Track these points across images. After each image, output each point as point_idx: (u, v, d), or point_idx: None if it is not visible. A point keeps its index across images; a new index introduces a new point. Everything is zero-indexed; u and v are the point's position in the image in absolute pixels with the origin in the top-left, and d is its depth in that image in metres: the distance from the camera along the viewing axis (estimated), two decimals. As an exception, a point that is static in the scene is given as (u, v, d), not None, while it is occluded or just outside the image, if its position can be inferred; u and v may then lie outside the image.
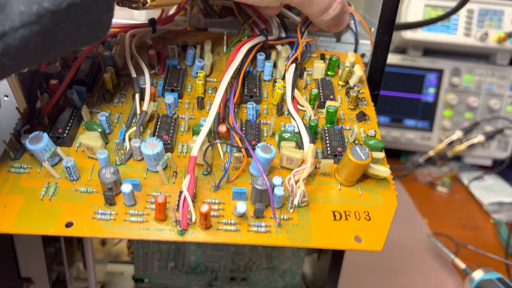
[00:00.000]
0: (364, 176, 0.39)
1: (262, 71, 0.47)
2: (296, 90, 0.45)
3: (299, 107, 0.44)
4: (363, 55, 0.51)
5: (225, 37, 0.49)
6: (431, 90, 0.98)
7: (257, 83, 0.45)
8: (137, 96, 0.42)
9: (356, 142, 0.42)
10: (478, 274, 0.65)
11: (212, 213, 0.35)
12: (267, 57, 0.48)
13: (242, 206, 0.34)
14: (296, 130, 0.41)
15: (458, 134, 0.97)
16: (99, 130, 0.38)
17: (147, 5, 0.38)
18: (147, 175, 0.37)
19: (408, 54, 0.97)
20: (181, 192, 0.35)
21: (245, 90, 0.44)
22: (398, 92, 0.98)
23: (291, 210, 0.36)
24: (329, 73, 0.48)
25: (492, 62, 0.97)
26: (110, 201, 0.35)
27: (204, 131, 0.37)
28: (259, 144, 0.37)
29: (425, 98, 0.98)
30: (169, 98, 0.41)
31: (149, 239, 0.34)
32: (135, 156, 0.38)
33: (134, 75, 0.43)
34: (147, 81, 0.43)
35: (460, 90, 0.97)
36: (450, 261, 0.72)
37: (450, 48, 0.95)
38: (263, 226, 0.35)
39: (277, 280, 0.63)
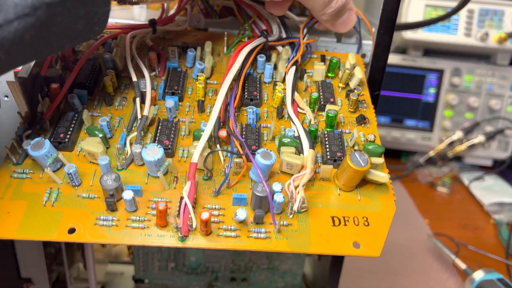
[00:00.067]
0: (363, 181, 0.39)
1: (263, 73, 0.48)
2: (296, 93, 0.45)
3: (299, 110, 0.44)
4: (363, 55, 0.51)
5: (225, 37, 0.49)
6: (432, 90, 0.98)
7: (258, 85, 0.46)
8: (137, 100, 0.42)
9: (356, 146, 0.42)
10: (478, 275, 0.65)
11: (212, 219, 0.36)
12: (268, 59, 0.48)
13: (242, 213, 0.34)
14: (296, 135, 0.41)
15: (458, 134, 0.97)
16: (100, 135, 0.38)
17: None
18: (148, 180, 0.38)
19: (409, 54, 0.97)
20: (181, 198, 0.35)
21: (246, 93, 0.45)
22: (398, 92, 0.98)
23: (291, 216, 0.37)
24: (329, 74, 0.48)
25: (492, 62, 0.97)
26: (111, 207, 0.35)
27: (204, 137, 0.37)
28: (259, 150, 0.37)
29: (425, 98, 0.98)
30: (170, 102, 0.42)
31: (150, 245, 0.35)
32: (136, 161, 0.38)
33: (134, 78, 0.44)
34: (147, 85, 0.43)
35: (461, 90, 0.97)
36: (450, 261, 0.72)
37: (450, 48, 0.95)
38: (263, 232, 0.36)
39: (278, 281, 0.63)
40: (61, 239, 0.34)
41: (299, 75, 0.47)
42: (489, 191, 0.93)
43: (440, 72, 0.97)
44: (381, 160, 0.39)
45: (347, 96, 0.46)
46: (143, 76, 0.44)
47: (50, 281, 0.52)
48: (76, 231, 0.34)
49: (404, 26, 0.78)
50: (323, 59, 0.49)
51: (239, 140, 0.39)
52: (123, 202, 0.35)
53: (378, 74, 0.48)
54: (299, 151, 0.40)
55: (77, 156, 0.39)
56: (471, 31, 0.93)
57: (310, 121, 0.43)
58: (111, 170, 0.37)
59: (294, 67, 0.46)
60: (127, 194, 0.34)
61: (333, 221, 0.37)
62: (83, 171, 0.38)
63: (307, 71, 0.48)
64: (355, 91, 0.45)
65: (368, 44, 0.50)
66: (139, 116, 0.41)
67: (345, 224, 0.37)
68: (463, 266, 0.70)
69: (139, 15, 0.55)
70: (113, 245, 0.69)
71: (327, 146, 0.41)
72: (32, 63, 0.41)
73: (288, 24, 0.50)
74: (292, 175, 0.38)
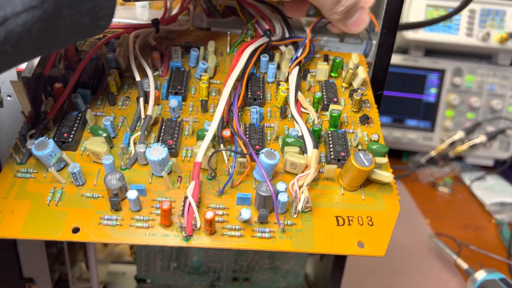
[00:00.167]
0: (367, 181, 0.39)
1: (266, 73, 0.48)
2: (299, 93, 0.45)
3: (302, 109, 0.44)
4: (366, 55, 0.51)
5: (228, 37, 0.49)
6: (433, 90, 0.98)
7: (261, 85, 0.46)
8: (141, 100, 0.42)
9: (360, 146, 0.42)
10: (480, 275, 0.65)
11: (216, 219, 0.36)
12: (271, 58, 0.48)
13: (246, 213, 0.34)
14: (300, 134, 0.41)
15: (460, 134, 0.97)
16: (104, 135, 0.38)
17: None
18: (152, 180, 0.38)
19: (410, 54, 0.97)
20: (186, 198, 0.35)
21: (249, 92, 0.45)
22: (399, 92, 0.98)
23: (295, 216, 0.37)
24: (332, 74, 0.48)
25: (494, 62, 0.97)
26: (116, 207, 0.35)
27: (208, 137, 0.37)
28: (263, 150, 0.37)
29: (426, 98, 0.99)
30: (173, 102, 0.42)
31: (155, 245, 0.35)
32: (140, 161, 0.38)
33: (138, 78, 0.44)
34: (151, 85, 0.43)
35: (462, 90, 0.97)
36: (452, 261, 0.72)
37: (452, 48, 0.95)
38: (267, 231, 0.36)
39: (280, 281, 0.63)
40: (65, 239, 0.34)
41: (302, 75, 0.47)
42: (490, 191, 0.93)
43: (441, 72, 0.97)
44: (385, 160, 0.39)
45: (351, 96, 0.46)
46: (146, 76, 0.44)
47: (52, 281, 0.52)
48: (80, 230, 0.34)
49: (405, 26, 0.78)
50: (326, 59, 0.49)
51: (243, 139, 0.39)
52: (127, 202, 0.35)
53: (381, 74, 0.48)
54: (303, 150, 0.40)
55: (80, 155, 0.39)
56: (473, 31, 0.93)
57: (313, 121, 0.43)
58: (115, 169, 0.37)
59: (297, 67, 0.46)
60: (132, 194, 0.34)
61: (337, 221, 0.37)
62: (87, 171, 0.38)
63: (310, 71, 0.48)
64: (359, 90, 0.45)
65: (372, 44, 0.50)
66: (142, 116, 0.41)
67: (349, 224, 0.37)
68: (465, 266, 0.70)
69: (141, 14, 0.55)
70: (115, 245, 0.69)
71: (331, 145, 0.41)
72: (36, 63, 0.41)
73: (291, 24, 0.50)
74: (296, 175, 0.38)
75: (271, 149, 0.37)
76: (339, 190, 0.39)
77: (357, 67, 0.46)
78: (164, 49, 0.47)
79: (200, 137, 0.39)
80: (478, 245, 0.78)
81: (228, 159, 0.39)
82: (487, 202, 0.89)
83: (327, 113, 0.44)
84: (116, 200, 0.35)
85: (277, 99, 0.45)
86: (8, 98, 0.44)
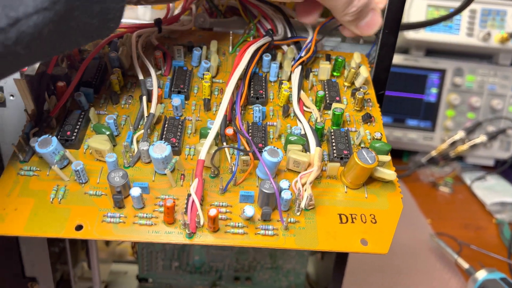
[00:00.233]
0: (370, 179, 0.39)
1: (268, 72, 0.48)
2: (302, 91, 0.45)
3: (305, 108, 0.44)
4: (368, 55, 0.51)
5: (230, 37, 0.49)
6: (434, 90, 0.98)
7: (263, 84, 0.46)
8: (144, 98, 0.42)
9: (362, 144, 0.42)
10: (481, 274, 0.65)
11: (219, 216, 0.36)
12: (273, 58, 0.48)
13: (250, 210, 0.34)
14: (302, 133, 0.41)
15: (460, 134, 0.97)
16: (107, 133, 0.38)
17: None
18: (155, 178, 0.38)
19: (411, 54, 0.98)
20: (189, 195, 0.35)
21: (251, 91, 0.45)
22: (400, 92, 0.98)
23: (298, 213, 0.37)
24: (334, 74, 0.48)
25: (494, 62, 0.97)
26: (119, 204, 0.35)
27: (211, 134, 0.38)
28: (266, 148, 0.37)
29: (427, 98, 0.99)
30: (176, 100, 0.42)
31: (158, 242, 0.35)
32: (143, 159, 0.38)
33: (141, 77, 0.44)
34: (154, 83, 0.43)
35: (463, 90, 0.97)
36: (453, 261, 0.72)
37: (452, 48, 0.96)
38: (270, 229, 0.36)
39: (281, 280, 0.63)
40: (68, 236, 0.34)
41: (305, 74, 0.47)
42: (491, 191, 0.93)
43: (442, 72, 0.97)
44: (387, 158, 0.39)
45: (353, 94, 0.46)
46: (149, 75, 0.44)
47: (55, 280, 0.52)
48: (83, 228, 0.34)
49: (406, 26, 0.78)
50: (328, 58, 0.49)
51: (245, 138, 0.39)
52: (130, 199, 0.36)
53: (383, 74, 0.48)
54: (306, 149, 0.40)
55: (83, 153, 0.39)
56: (473, 31, 0.93)
57: (316, 119, 0.43)
58: (119, 167, 0.37)
59: (299, 66, 0.46)
60: (135, 191, 0.34)
61: (341, 219, 0.37)
62: (90, 169, 0.38)
63: (313, 70, 0.48)
64: (361, 89, 0.45)
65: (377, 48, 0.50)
66: (145, 114, 0.41)
67: (352, 222, 0.37)
68: (465, 265, 0.70)
69: (144, 14, 0.55)
70: (117, 244, 0.69)
71: (334, 144, 0.41)
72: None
73: (293, 24, 0.50)
74: (299, 172, 0.38)
75: (274, 147, 0.37)
76: (342, 188, 0.39)
77: (359, 66, 0.47)
78: (167, 48, 0.48)
79: (203, 135, 0.39)
80: (478, 245, 0.78)
81: (231, 157, 0.39)
82: (487, 202, 0.89)
83: (330, 112, 0.44)
84: (120, 197, 0.35)
85: (280, 98, 0.45)
86: (11, 97, 0.44)
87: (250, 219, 0.36)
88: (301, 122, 0.42)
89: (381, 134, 0.42)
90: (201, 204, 0.35)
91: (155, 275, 0.63)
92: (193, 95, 0.45)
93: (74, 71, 0.44)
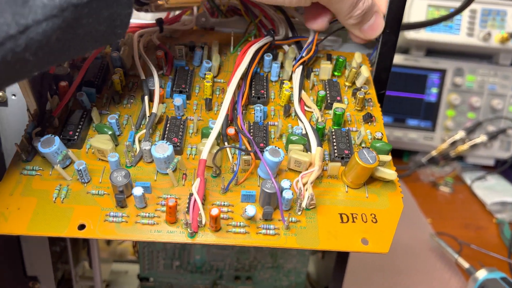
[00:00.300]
0: (371, 179, 0.39)
1: (269, 72, 0.48)
2: (303, 91, 0.45)
3: (306, 108, 0.45)
4: (369, 54, 0.51)
5: (232, 37, 0.50)
6: (434, 90, 0.98)
7: (264, 84, 0.46)
8: (146, 98, 0.42)
9: (363, 144, 0.42)
10: (481, 274, 0.65)
11: (221, 216, 0.36)
12: (274, 58, 0.48)
13: (251, 210, 0.35)
14: (304, 132, 0.42)
15: (460, 134, 0.97)
16: (110, 132, 0.39)
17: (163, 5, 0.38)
18: (157, 177, 0.38)
19: (411, 54, 0.98)
20: (191, 195, 0.35)
21: (253, 91, 0.45)
22: (400, 92, 0.99)
23: (299, 213, 0.37)
24: (335, 73, 0.49)
25: (494, 62, 0.97)
26: (121, 204, 0.35)
27: (213, 134, 0.38)
28: (267, 148, 0.37)
29: (427, 98, 0.99)
30: (178, 100, 0.42)
31: (160, 241, 0.35)
32: (145, 159, 0.39)
33: (143, 76, 0.44)
34: (156, 83, 0.43)
35: (463, 90, 0.97)
36: (453, 260, 0.73)
37: (453, 48, 0.96)
38: (272, 228, 0.36)
39: (282, 279, 0.63)
40: (71, 235, 0.34)
41: (306, 74, 0.47)
42: (491, 190, 0.93)
43: (442, 72, 0.97)
44: (388, 158, 0.39)
45: (354, 94, 0.46)
46: (151, 75, 0.44)
47: (56, 279, 0.53)
48: (86, 227, 0.35)
49: (406, 26, 0.79)
50: (329, 58, 0.50)
51: (247, 137, 0.39)
52: (132, 199, 0.36)
53: (383, 74, 0.48)
54: (307, 148, 0.40)
55: (85, 153, 0.39)
56: (474, 31, 0.93)
57: (317, 119, 0.43)
58: (121, 167, 0.37)
59: (301, 66, 0.46)
60: (137, 190, 0.34)
61: (341, 218, 0.37)
62: (92, 168, 0.38)
63: (314, 70, 0.49)
64: (362, 89, 0.45)
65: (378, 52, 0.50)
66: (147, 114, 0.41)
67: (353, 221, 0.37)
68: (466, 265, 0.70)
69: (145, 14, 0.55)
70: (118, 244, 0.69)
71: (335, 143, 0.41)
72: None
73: (294, 24, 0.50)
74: (300, 172, 0.38)
75: (275, 146, 0.37)
76: (343, 187, 0.39)
77: (360, 66, 0.47)
78: (168, 48, 0.48)
79: (205, 135, 0.39)
80: (479, 245, 0.78)
81: (232, 157, 0.40)
82: (488, 202, 0.89)
83: (331, 112, 0.44)
84: (122, 197, 0.35)
85: (281, 97, 0.45)
86: (13, 97, 0.44)
87: (251, 219, 0.36)
88: (302, 122, 0.42)
89: (382, 134, 0.42)
90: (203, 204, 0.35)
91: (156, 275, 0.63)
92: (195, 95, 0.45)
93: (76, 70, 0.45)
